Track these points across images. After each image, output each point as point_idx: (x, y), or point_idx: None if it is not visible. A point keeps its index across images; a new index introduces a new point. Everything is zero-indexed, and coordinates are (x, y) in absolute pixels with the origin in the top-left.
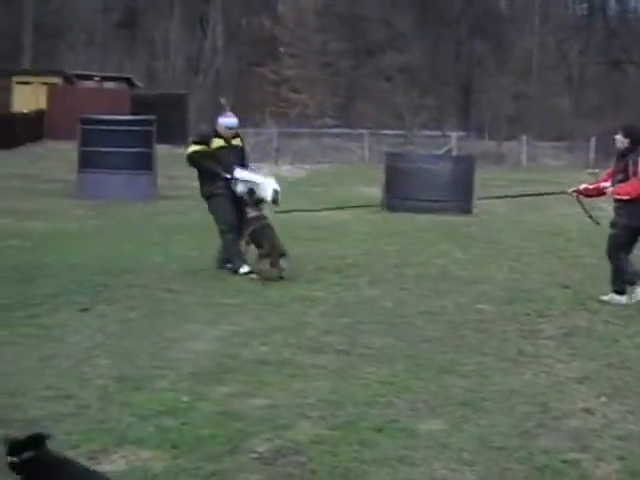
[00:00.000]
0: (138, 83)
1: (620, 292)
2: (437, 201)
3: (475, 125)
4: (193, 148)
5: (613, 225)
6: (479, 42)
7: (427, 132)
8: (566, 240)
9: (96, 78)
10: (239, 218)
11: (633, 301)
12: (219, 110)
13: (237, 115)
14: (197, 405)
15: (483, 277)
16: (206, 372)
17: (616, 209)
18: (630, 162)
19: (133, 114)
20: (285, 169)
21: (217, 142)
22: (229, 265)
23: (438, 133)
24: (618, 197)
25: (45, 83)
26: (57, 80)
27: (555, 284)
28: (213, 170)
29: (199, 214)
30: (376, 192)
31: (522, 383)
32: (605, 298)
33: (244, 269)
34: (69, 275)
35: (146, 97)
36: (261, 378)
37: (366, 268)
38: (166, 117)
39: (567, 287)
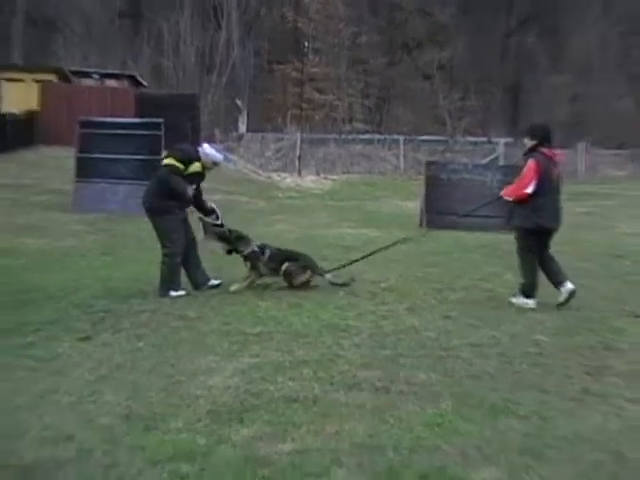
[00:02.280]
0: (143, 82)
1: None
2: (484, 217)
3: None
4: (174, 162)
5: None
6: (530, 35)
7: (471, 138)
8: (633, 262)
9: (95, 75)
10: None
11: None
12: (234, 112)
13: (255, 120)
14: (217, 449)
15: (539, 303)
16: (226, 411)
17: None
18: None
19: (138, 116)
20: (309, 180)
21: (195, 167)
22: (168, 291)
23: (483, 139)
24: (506, 199)
25: (37, 80)
26: (51, 77)
27: (623, 312)
28: (185, 192)
29: None
30: (413, 207)
31: (589, 427)
32: None
33: (178, 292)
34: (68, 299)
35: (152, 97)
36: (289, 418)
37: (404, 293)
38: (175, 120)
39: (638, 316)
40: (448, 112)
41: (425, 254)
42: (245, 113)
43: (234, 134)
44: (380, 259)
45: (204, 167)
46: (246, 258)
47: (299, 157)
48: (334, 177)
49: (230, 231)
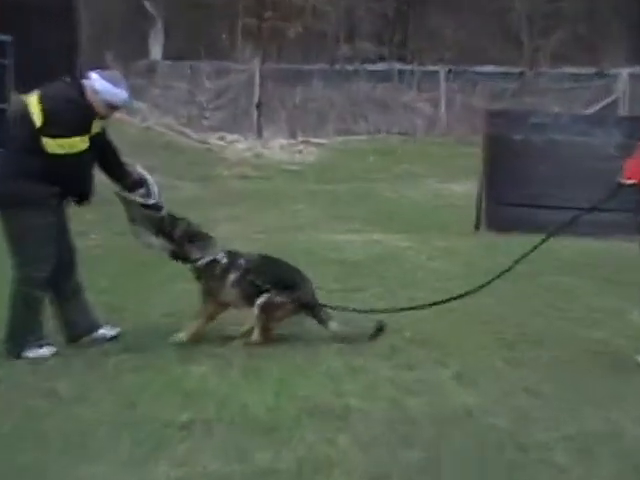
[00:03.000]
0: None
1: None
2: (594, 211)
3: None
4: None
5: None
6: None
7: (568, 69)
8: None
9: None
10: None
11: None
12: (140, 22)
13: (179, 37)
14: None
15: None
16: None
17: None
18: None
19: None
20: (277, 146)
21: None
22: (24, 348)
23: (589, 71)
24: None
25: None
26: None
27: None
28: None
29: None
30: (464, 193)
31: None
32: None
33: (42, 350)
34: None
35: None
36: None
37: (446, 348)
38: (34, 35)
39: None
40: (527, 20)
41: (481, 273)
42: (160, 24)
43: (141, 62)
44: (409, 284)
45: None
46: (199, 272)
47: (258, 105)
48: (321, 141)
49: (173, 219)
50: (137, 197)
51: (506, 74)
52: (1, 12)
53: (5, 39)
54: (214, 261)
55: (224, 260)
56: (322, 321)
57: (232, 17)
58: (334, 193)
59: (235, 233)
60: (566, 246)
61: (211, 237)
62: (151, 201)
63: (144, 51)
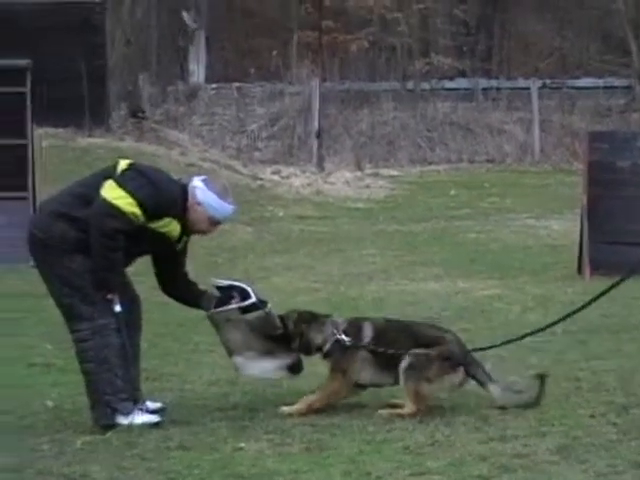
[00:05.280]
0: None
1: None
2: None
3: None
4: (127, 201)
5: None
6: None
7: None
8: None
9: None
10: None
11: None
12: (179, 39)
13: (224, 56)
14: None
15: None
16: None
17: None
18: None
19: None
20: (340, 180)
21: (172, 224)
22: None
23: None
24: None
25: None
26: None
27: None
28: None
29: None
30: (565, 230)
31: None
32: None
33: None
34: None
35: (13, 12)
36: None
37: (551, 413)
38: (57, 62)
39: None
40: (633, 24)
41: (594, 333)
42: (203, 40)
43: (180, 86)
44: (487, 337)
45: (186, 228)
46: (327, 356)
47: (318, 133)
48: (393, 173)
49: (282, 316)
50: (234, 304)
51: (611, 88)
52: (17, 32)
53: (23, 64)
54: (337, 342)
55: (346, 337)
56: (481, 383)
57: (286, 30)
58: (409, 234)
59: (293, 285)
60: None
61: (319, 314)
62: (251, 300)
63: (184, 70)
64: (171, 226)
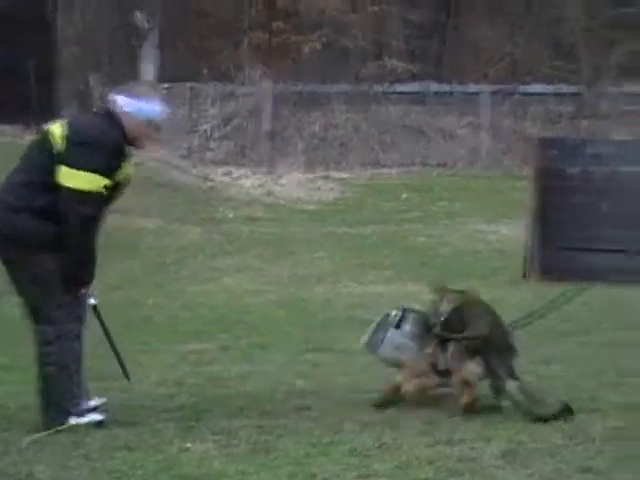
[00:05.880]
0: None
1: None
2: None
3: None
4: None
5: None
6: None
7: (634, 88)
8: None
9: None
10: None
11: None
12: (131, 39)
13: (176, 56)
14: None
15: None
16: None
17: None
18: None
19: None
20: (292, 182)
21: (128, 165)
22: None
23: None
24: None
25: None
26: None
27: None
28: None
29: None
30: (514, 235)
31: None
32: None
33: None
34: None
35: None
36: None
37: (498, 419)
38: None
39: None
40: (583, 31)
41: (535, 330)
42: (156, 40)
43: (132, 85)
44: None
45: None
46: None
47: (270, 135)
48: (344, 176)
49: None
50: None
51: (560, 95)
52: None
53: None
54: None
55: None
56: (498, 377)
57: (238, 31)
58: (359, 237)
59: (243, 286)
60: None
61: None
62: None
63: (134, 70)
64: (127, 167)
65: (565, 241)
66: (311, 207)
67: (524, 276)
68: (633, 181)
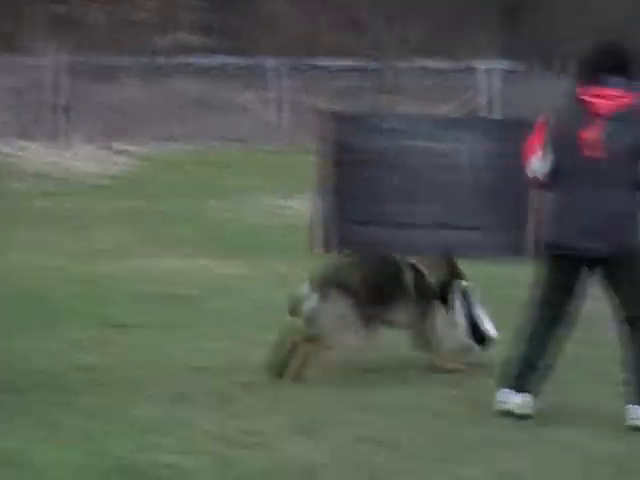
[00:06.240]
0: None
1: None
2: (449, 227)
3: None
4: None
5: None
6: None
7: (431, 63)
8: None
9: None
10: None
11: None
12: None
13: None
14: None
15: None
16: None
17: None
18: None
19: None
20: (82, 155)
21: None
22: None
23: (455, 65)
24: None
25: None
26: None
27: None
28: None
29: None
30: (306, 210)
31: None
32: None
33: None
34: None
35: None
36: None
37: (285, 392)
38: None
39: None
40: (375, 6)
41: None
42: None
43: None
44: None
45: None
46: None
47: (63, 107)
48: (138, 150)
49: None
50: None
51: (359, 70)
52: None
53: None
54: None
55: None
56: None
57: (30, 1)
58: (154, 212)
59: (33, 262)
60: None
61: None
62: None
63: None
64: None
65: (355, 214)
66: (106, 182)
67: (311, 250)
68: (421, 156)
